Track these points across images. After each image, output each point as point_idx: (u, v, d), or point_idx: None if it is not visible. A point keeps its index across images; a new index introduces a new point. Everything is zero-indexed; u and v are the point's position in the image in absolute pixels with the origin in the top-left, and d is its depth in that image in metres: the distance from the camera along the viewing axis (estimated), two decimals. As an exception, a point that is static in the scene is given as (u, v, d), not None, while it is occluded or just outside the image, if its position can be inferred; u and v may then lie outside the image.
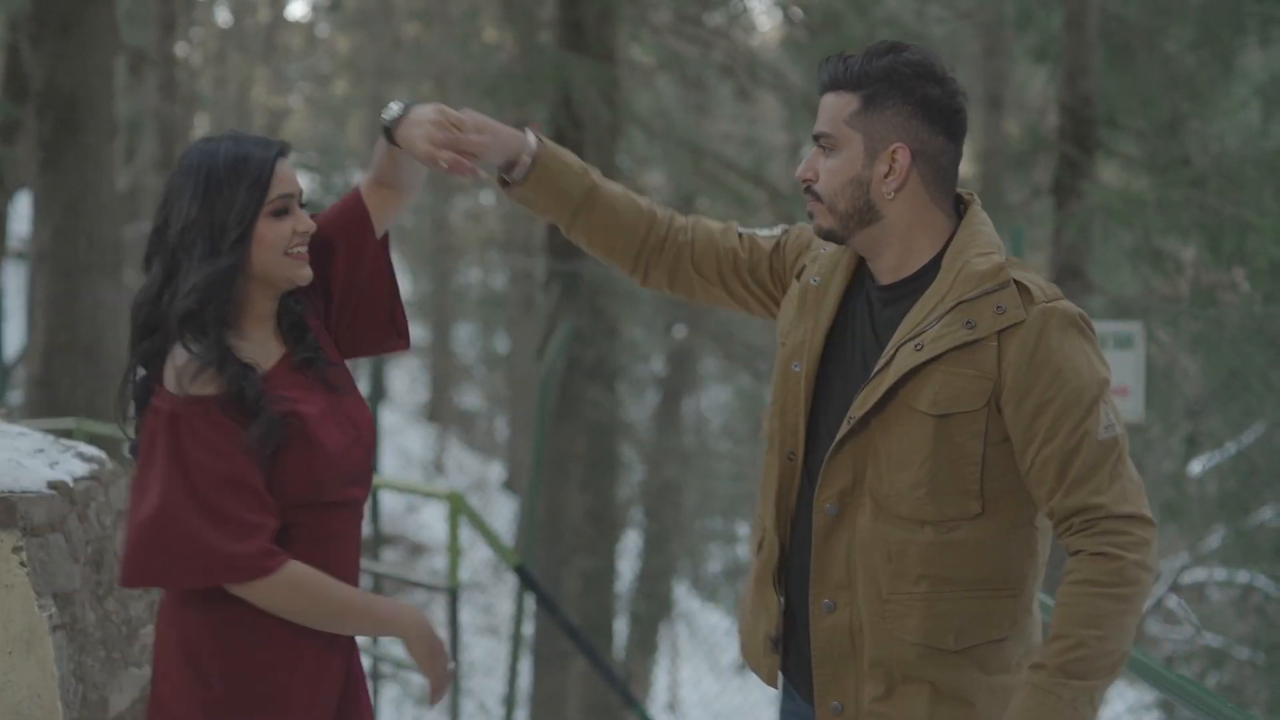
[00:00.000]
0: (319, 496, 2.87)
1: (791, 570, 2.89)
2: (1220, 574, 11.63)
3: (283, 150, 2.92)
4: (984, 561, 2.72)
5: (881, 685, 2.76)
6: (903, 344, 2.73)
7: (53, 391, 9.20)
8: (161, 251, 2.88)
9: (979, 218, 2.82)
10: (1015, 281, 2.70)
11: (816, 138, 2.82)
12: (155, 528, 2.75)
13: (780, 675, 2.96)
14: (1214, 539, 11.22)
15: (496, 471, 23.81)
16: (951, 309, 2.71)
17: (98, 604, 3.63)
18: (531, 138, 3.04)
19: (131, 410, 2.91)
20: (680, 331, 17.82)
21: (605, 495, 12.18)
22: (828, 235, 2.85)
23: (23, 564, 3.25)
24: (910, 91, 2.76)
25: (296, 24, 32.19)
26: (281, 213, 2.89)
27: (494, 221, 27.11)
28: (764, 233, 3.10)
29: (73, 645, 3.43)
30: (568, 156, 3.07)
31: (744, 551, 22.38)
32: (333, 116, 31.95)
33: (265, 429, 2.80)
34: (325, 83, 32.08)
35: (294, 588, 2.81)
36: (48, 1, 9.30)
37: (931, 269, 2.79)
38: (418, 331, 29.15)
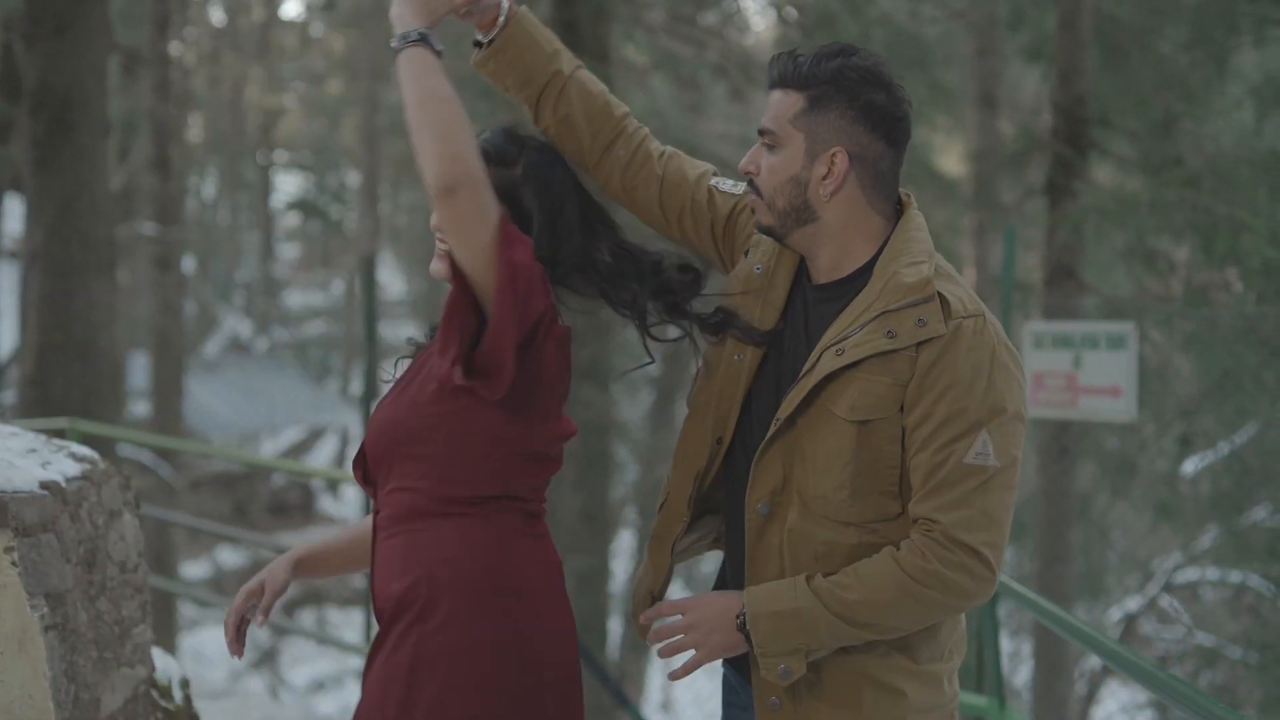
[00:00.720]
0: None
1: (728, 561, 2.96)
2: (1213, 574, 11.65)
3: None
4: None
5: (815, 677, 2.80)
6: (827, 348, 2.76)
7: (46, 391, 9.19)
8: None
9: (913, 223, 2.84)
10: (940, 295, 2.72)
11: (761, 132, 2.84)
12: None
13: (724, 668, 3.01)
14: (1207, 539, 11.24)
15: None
16: (876, 317, 2.73)
17: (90, 604, 3.63)
18: (507, 2, 3.03)
19: None
20: (674, 331, 17.79)
21: (599, 495, 12.19)
22: (766, 231, 2.88)
23: (14, 564, 3.24)
24: (855, 96, 2.77)
25: (290, 23, 32.18)
26: None
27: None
28: (726, 186, 3.08)
29: (65, 645, 3.43)
30: (541, 33, 3.05)
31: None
32: (327, 116, 31.97)
33: None
34: (319, 82, 32.07)
35: None
36: (41, 1, 9.29)
37: (864, 273, 2.82)
38: (414, 330, 29.02)
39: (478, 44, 3.09)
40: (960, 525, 2.65)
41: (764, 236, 2.98)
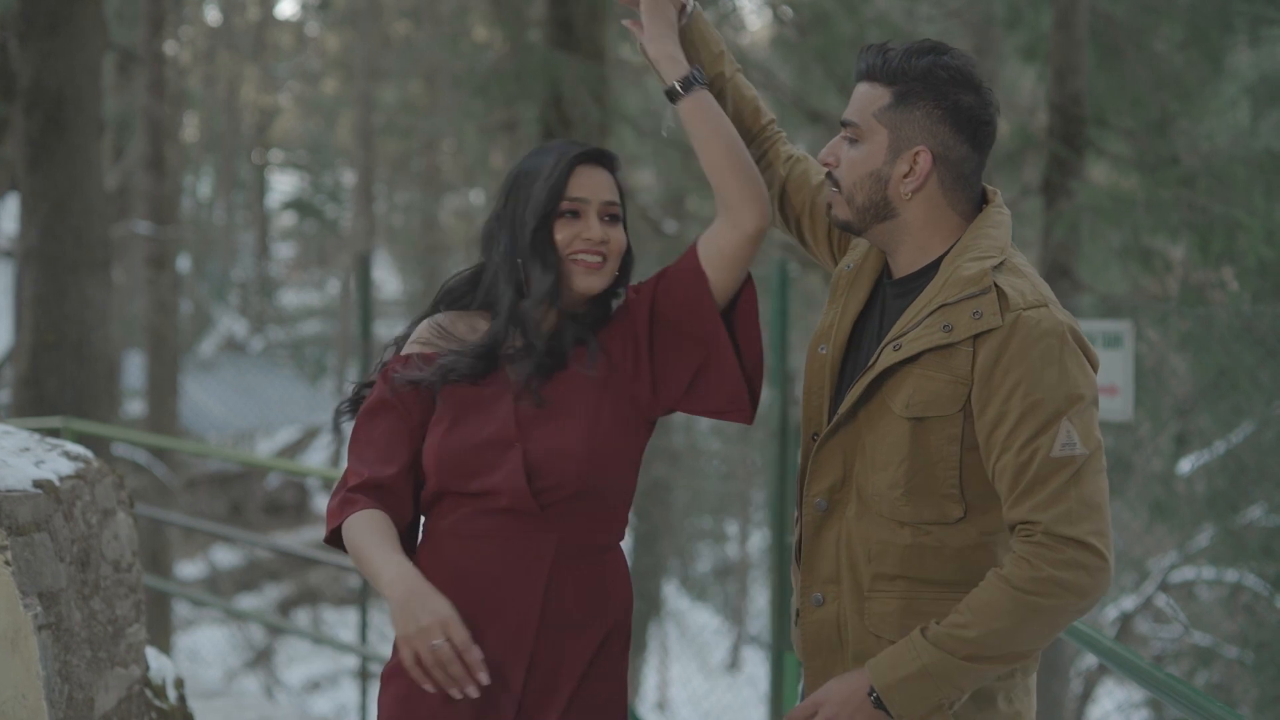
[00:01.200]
0: None
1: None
2: (1209, 573, 11.65)
3: (592, 156, 2.93)
4: (966, 565, 2.71)
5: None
6: (887, 343, 2.73)
7: (40, 390, 9.17)
8: (483, 243, 2.99)
9: (990, 220, 2.79)
10: (996, 286, 2.66)
11: (844, 124, 2.81)
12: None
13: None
14: (1203, 538, 11.24)
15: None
16: (934, 311, 2.69)
17: (83, 603, 3.62)
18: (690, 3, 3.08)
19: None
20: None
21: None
22: (844, 226, 2.85)
23: (7, 563, 3.23)
24: (944, 95, 2.74)
25: (286, 22, 32.17)
26: (573, 215, 2.89)
27: (483, 220, 27.05)
28: None
29: (58, 645, 3.42)
30: (711, 34, 3.11)
31: (733, 550, 22.40)
32: (322, 115, 31.95)
33: None
34: (315, 81, 32.05)
35: (355, 532, 2.83)
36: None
37: (934, 269, 2.78)
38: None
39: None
40: (1062, 520, 2.57)
41: (859, 241, 2.97)
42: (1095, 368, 2.72)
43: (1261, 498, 10.75)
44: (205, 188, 34.09)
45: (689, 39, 3.07)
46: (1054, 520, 2.57)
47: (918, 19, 14.12)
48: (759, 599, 21.40)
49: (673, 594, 18.92)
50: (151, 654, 4.17)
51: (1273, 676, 9.92)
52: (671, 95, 2.94)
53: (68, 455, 3.80)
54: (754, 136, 3.13)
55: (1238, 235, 7.85)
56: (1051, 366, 2.61)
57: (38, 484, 3.47)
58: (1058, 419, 2.59)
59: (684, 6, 3.06)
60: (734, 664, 19.36)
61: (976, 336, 2.65)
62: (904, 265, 2.83)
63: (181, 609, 18.47)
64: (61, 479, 3.61)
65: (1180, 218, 8.15)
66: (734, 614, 19.97)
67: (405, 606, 2.64)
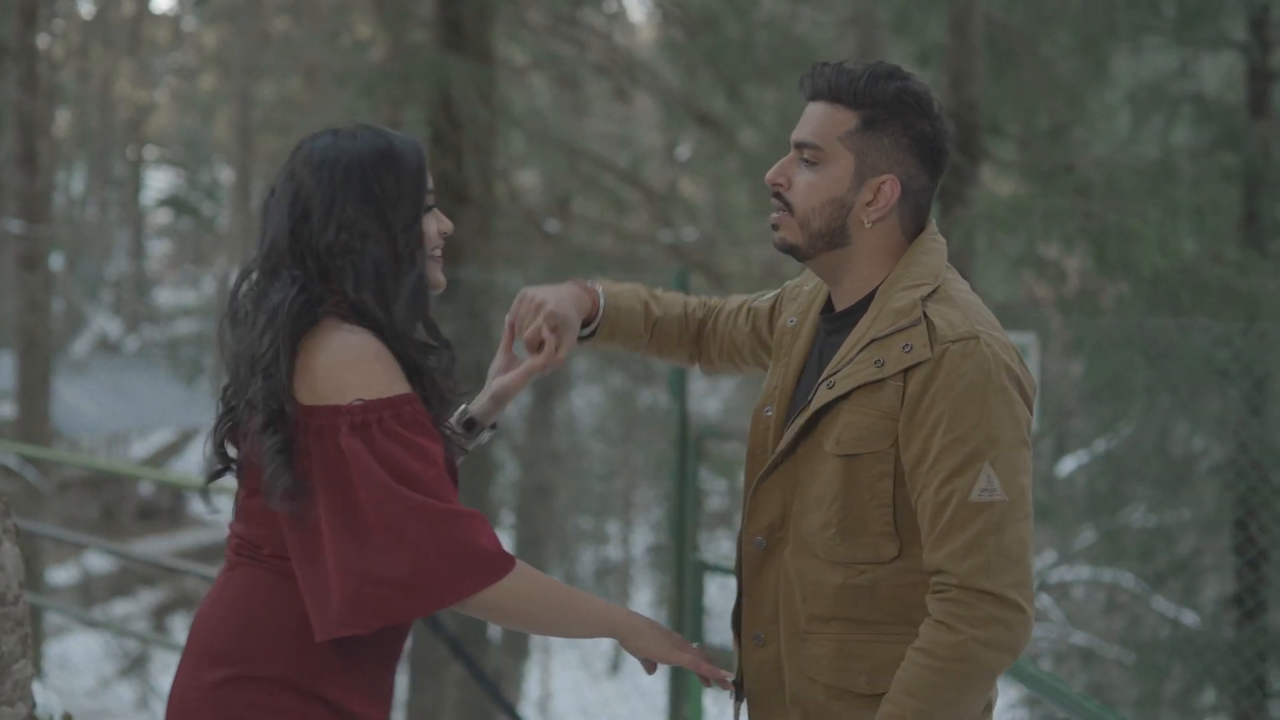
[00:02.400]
0: None
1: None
2: (1087, 573, 11.79)
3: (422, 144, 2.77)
4: (902, 604, 2.61)
5: None
6: (823, 381, 2.65)
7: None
8: (301, 258, 2.64)
9: (923, 247, 2.69)
10: (926, 317, 2.57)
11: (800, 146, 2.68)
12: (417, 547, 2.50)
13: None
14: (1083, 538, 11.38)
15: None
16: (865, 346, 2.61)
17: (-32, 635, 3.45)
18: (587, 298, 3.00)
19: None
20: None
21: (479, 498, 12.05)
22: (789, 250, 2.72)
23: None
24: (910, 124, 2.63)
25: (162, 17, 31.62)
26: (428, 211, 2.72)
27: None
28: (765, 298, 3.03)
29: (-58, 680, 3.25)
30: (626, 299, 3.05)
31: (615, 551, 22.41)
32: (199, 111, 31.47)
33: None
34: (191, 77, 31.58)
35: (532, 580, 2.60)
36: (-96, -8, 8.98)
37: (869, 300, 2.69)
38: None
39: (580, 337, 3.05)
40: (979, 573, 2.47)
41: (799, 293, 2.89)
42: (1030, 399, 2.61)
43: (1140, 499, 10.90)
44: (78, 185, 33.47)
45: (615, 323, 3.03)
46: (970, 573, 2.48)
47: (804, 21, 14.17)
48: (640, 599, 21.41)
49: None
50: (37, 689, 3.99)
51: (1151, 676, 10.05)
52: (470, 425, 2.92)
53: (-50, 478, 3.62)
54: (692, 333, 3.13)
55: (1132, 244, 7.92)
56: (974, 405, 2.51)
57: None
58: (978, 460, 2.49)
59: (593, 316, 3.02)
60: (615, 667, 19.35)
61: (906, 370, 2.56)
62: (845, 296, 2.73)
63: (53, 616, 18.07)
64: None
65: (1076, 226, 8.21)
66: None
67: (654, 631, 2.70)
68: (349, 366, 2.55)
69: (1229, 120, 10.66)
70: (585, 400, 21.67)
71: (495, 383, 2.95)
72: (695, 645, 2.74)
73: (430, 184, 2.72)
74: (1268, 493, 8.27)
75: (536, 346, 2.91)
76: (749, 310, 3.06)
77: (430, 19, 12.23)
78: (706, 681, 2.74)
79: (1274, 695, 9.18)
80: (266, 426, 2.56)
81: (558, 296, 2.92)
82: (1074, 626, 12.13)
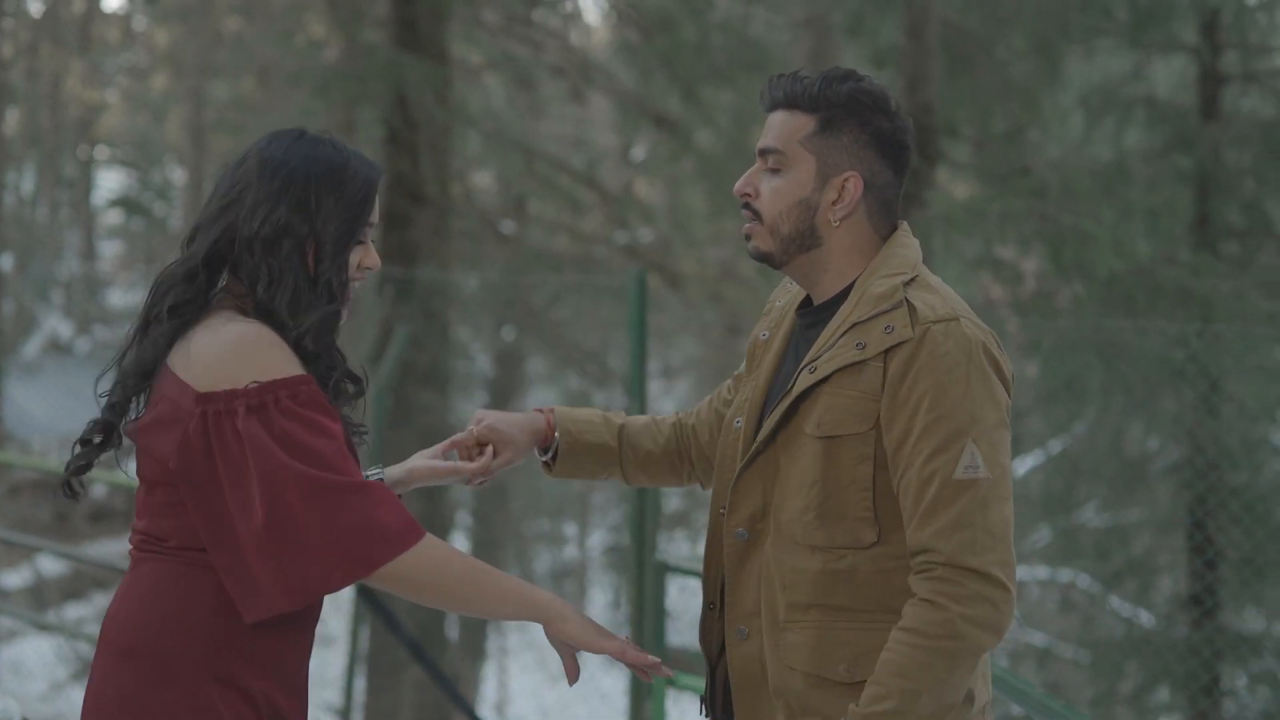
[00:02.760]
0: None
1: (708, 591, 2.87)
2: (1043, 573, 11.85)
3: (381, 174, 2.75)
4: (881, 591, 2.63)
5: (782, 716, 2.69)
6: (803, 367, 2.68)
7: None
8: (220, 236, 2.66)
9: (899, 241, 2.76)
10: (907, 301, 2.62)
11: (763, 153, 2.75)
12: (309, 525, 2.50)
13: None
14: (1038, 538, 11.44)
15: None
16: (847, 331, 2.65)
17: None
18: (540, 417, 3.05)
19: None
20: (509, 333, 17.72)
21: (435, 500, 12.02)
22: (763, 258, 2.78)
23: None
24: (867, 121, 2.71)
25: (113, 16, 31.37)
26: (360, 243, 2.72)
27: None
28: (727, 382, 3.07)
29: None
30: (587, 425, 3.08)
31: (571, 552, 22.39)
32: (151, 111, 31.22)
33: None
34: (143, 77, 31.34)
35: (444, 551, 2.60)
36: None
37: (846, 294, 2.74)
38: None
39: (545, 465, 3.10)
40: (965, 549, 2.50)
41: (771, 308, 2.93)
42: (1008, 384, 2.66)
43: (1094, 498, 10.97)
44: (28, 184, 33.17)
45: (575, 449, 3.07)
46: (956, 550, 2.51)
47: (759, 23, 14.19)
48: (598, 601, 21.40)
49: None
50: (6, 690, 3.96)
51: (1107, 675, 10.12)
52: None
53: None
54: (678, 452, 3.13)
55: (1088, 247, 7.97)
56: (957, 384, 2.56)
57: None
58: (960, 438, 2.54)
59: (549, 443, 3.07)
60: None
61: (887, 351, 2.60)
62: (823, 294, 2.78)
63: (4, 620, 17.92)
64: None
65: (1032, 229, 8.25)
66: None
67: (579, 617, 2.67)
68: (243, 353, 2.56)
69: (1181, 123, 10.75)
70: (541, 401, 21.65)
71: (420, 461, 3.01)
72: (623, 636, 2.70)
73: (374, 217, 2.72)
74: (1225, 494, 8.33)
75: (468, 456, 3.01)
76: (733, 388, 3.07)
77: (385, 19, 12.18)
78: (644, 674, 2.70)
79: (1228, 693, 9.26)
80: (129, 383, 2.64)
81: (505, 418, 3.02)
82: (1030, 626, 12.19)
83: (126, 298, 33.04)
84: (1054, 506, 10.78)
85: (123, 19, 31.30)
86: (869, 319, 2.63)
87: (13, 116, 27.69)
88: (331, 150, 2.70)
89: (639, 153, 18.83)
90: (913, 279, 2.68)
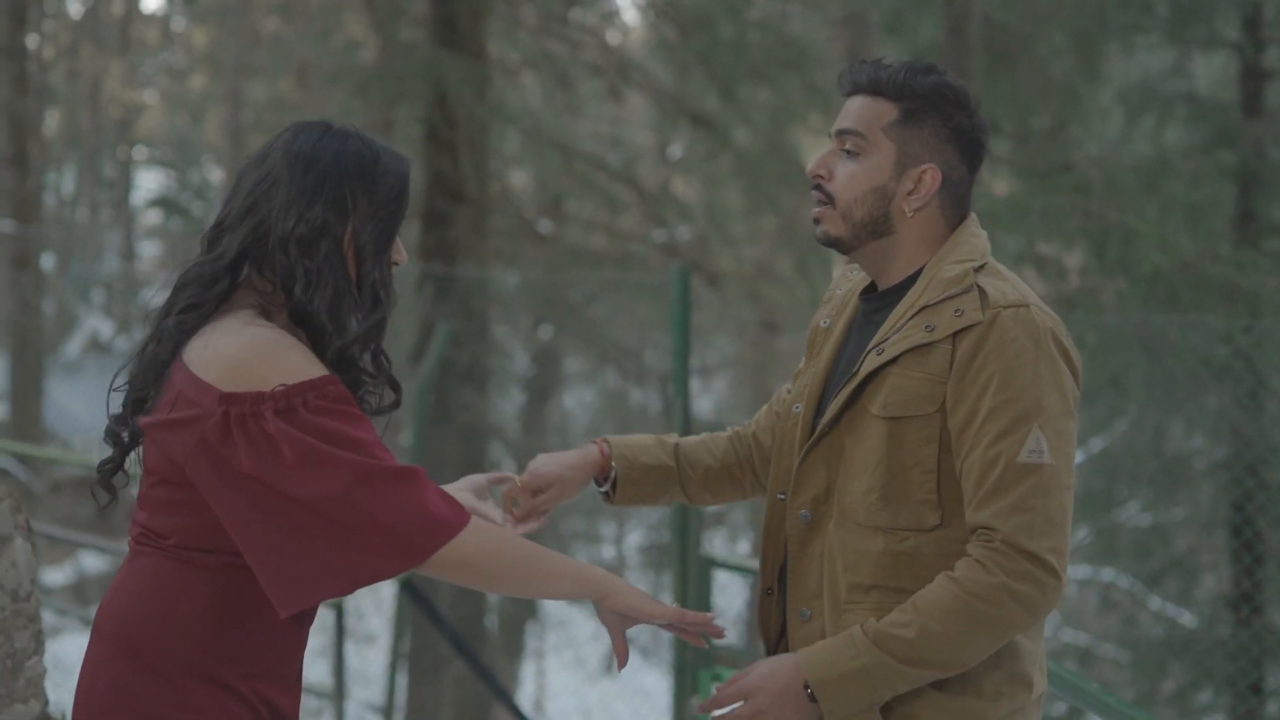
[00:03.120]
0: None
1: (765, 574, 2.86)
2: (1083, 572, 11.79)
3: (410, 166, 2.68)
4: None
5: None
6: (871, 349, 2.68)
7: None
8: (249, 235, 2.57)
9: (969, 230, 2.75)
10: (978, 286, 2.61)
11: (842, 134, 2.73)
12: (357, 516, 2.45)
13: None
14: (1079, 537, 11.38)
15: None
16: (916, 314, 2.64)
17: (-20, 635, 3.44)
18: (594, 449, 3.06)
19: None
20: (547, 331, 17.74)
21: (476, 498, 12.04)
22: (832, 243, 2.77)
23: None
24: (949, 116, 2.70)
25: (152, 17, 31.55)
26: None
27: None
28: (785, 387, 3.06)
29: (-44, 681, 3.24)
30: (635, 439, 3.09)
31: (608, 552, 22.38)
32: (189, 112, 31.37)
33: None
34: (181, 77, 31.50)
35: (495, 533, 2.56)
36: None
37: (915, 279, 2.73)
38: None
39: (605, 496, 3.11)
40: (1022, 531, 2.49)
41: (832, 296, 2.92)
42: (1077, 373, 2.65)
43: (1135, 497, 10.91)
44: (69, 185, 33.40)
45: (633, 476, 3.07)
46: (1014, 530, 2.50)
47: (794, 20, 14.17)
48: (635, 600, 21.37)
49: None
50: (49, 686, 3.98)
51: (1149, 674, 10.06)
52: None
53: (-39, 478, 3.60)
54: (736, 469, 3.12)
55: (1132, 243, 7.93)
56: (1025, 369, 2.55)
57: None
58: (1027, 422, 2.53)
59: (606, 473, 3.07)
60: (610, 668, 19.35)
61: (956, 333, 2.59)
62: (888, 282, 2.78)
63: (47, 616, 18.04)
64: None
65: (1075, 225, 8.21)
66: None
67: (631, 589, 2.63)
68: (264, 356, 2.48)
69: (1222, 119, 10.68)
70: (578, 400, 21.67)
71: (465, 496, 2.95)
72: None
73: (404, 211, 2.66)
74: (1270, 492, 8.27)
75: (510, 505, 3.03)
76: (781, 394, 3.07)
77: (423, 17, 12.22)
78: (697, 640, 2.69)
79: (1273, 695, 9.19)
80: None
81: (553, 459, 3.04)
82: (1070, 625, 12.14)
83: (165, 297, 33.22)
84: (1095, 505, 10.72)
85: (161, 20, 31.47)
86: (938, 302, 2.62)
87: (53, 117, 27.89)
88: (361, 145, 2.61)
89: (676, 151, 18.83)
90: (983, 265, 2.67)
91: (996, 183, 12.01)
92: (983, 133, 2.74)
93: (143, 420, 2.57)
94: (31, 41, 19.48)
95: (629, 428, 19.80)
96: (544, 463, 3.02)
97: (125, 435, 2.67)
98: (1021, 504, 2.51)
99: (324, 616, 15.79)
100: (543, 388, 19.04)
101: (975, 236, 2.74)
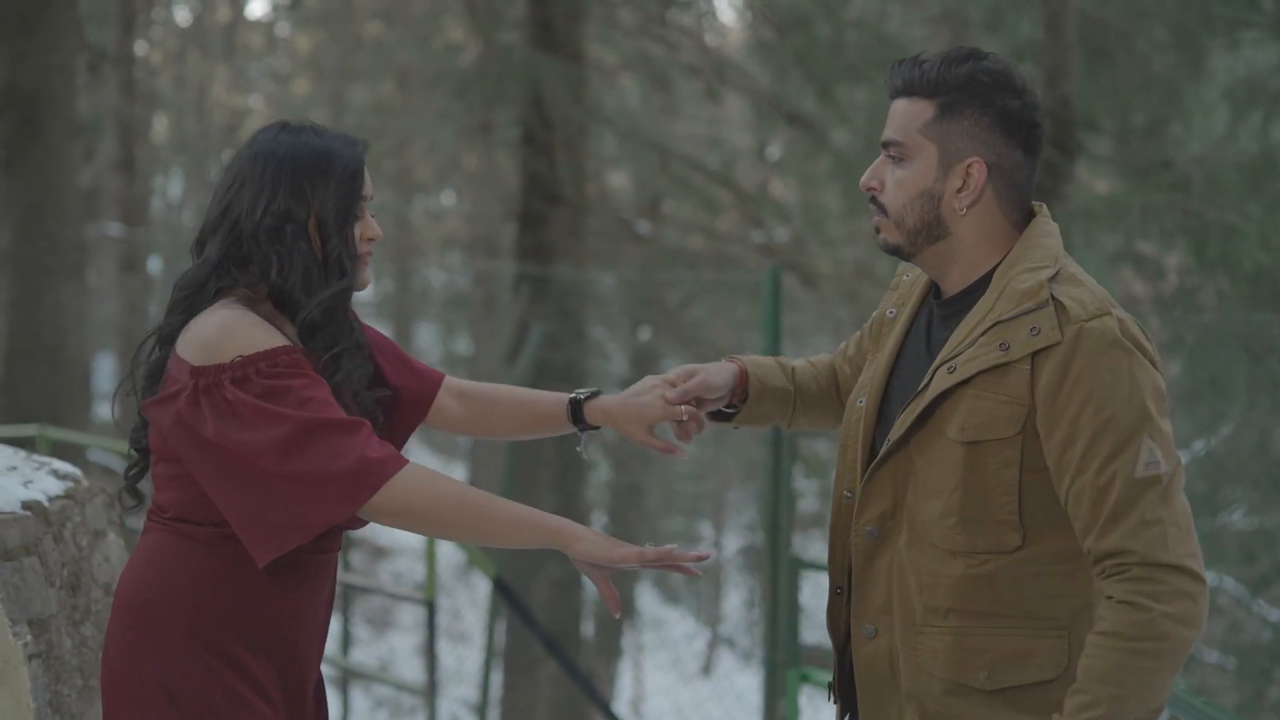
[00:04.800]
0: None
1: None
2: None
3: (366, 148, 2.91)
4: (1024, 596, 2.56)
5: (916, 718, 2.64)
6: (940, 365, 2.61)
7: (13, 397, 9.03)
8: (226, 236, 2.82)
9: (1040, 229, 2.65)
10: (1054, 299, 2.52)
11: (885, 145, 2.67)
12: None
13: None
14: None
15: (457, 474, 23.68)
16: (989, 329, 2.56)
17: (74, 630, 3.50)
18: (733, 366, 3.06)
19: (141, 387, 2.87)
20: (645, 332, 17.76)
21: (574, 498, 12.09)
22: (893, 251, 2.71)
23: (-3, 589, 3.12)
24: (990, 102, 2.61)
25: (257, 23, 31.95)
26: (359, 216, 2.88)
27: (455, 221, 26.95)
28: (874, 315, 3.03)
29: (49, 674, 3.30)
30: (764, 361, 3.10)
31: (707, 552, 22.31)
32: (293, 116, 31.78)
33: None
34: (285, 82, 31.86)
35: (437, 477, 2.74)
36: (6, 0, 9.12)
37: (984, 284, 2.65)
38: (382, 331, 28.94)
39: (724, 414, 3.11)
40: (1158, 546, 2.42)
41: (900, 282, 2.88)
42: (1159, 369, 2.57)
43: (1240, 501, 10.73)
44: (175, 189, 33.89)
45: (763, 401, 3.08)
46: (1149, 547, 2.42)
47: (893, 19, 14.07)
48: (733, 600, 21.36)
49: (647, 597, 18.87)
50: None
51: (1254, 680, 9.90)
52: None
53: (56, 474, 3.68)
54: (834, 398, 3.13)
55: (1233, 241, 7.80)
56: (1121, 380, 2.47)
57: (26, 505, 3.35)
58: (1136, 436, 2.45)
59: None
60: (707, 668, 19.32)
61: (1035, 354, 2.51)
62: (954, 285, 2.71)
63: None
64: (50, 499, 3.49)
65: (1175, 223, 8.10)
66: (708, 617, 19.94)
67: (594, 534, 2.74)
68: (226, 332, 2.72)
69: (1331, 115, 10.48)
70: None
71: (634, 399, 3.07)
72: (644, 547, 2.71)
73: (367, 190, 2.87)
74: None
75: (677, 415, 3.01)
76: (846, 349, 3.10)
77: (522, 20, 12.28)
78: (680, 569, 2.71)
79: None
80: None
81: (710, 369, 3.02)
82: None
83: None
84: (1198, 509, 10.51)
85: (266, 26, 31.86)
86: (1012, 318, 2.54)
87: (161, 123, 28.33)
88: (314, 136, 2.84)
89: (774, 151, 18.77)
90: (1057, 273, 2.57)
91: (1096, 181, 11.87)
92: (1033, 112, 2.64)
93: (144, 405, 2.83)
94: (139, 48, 19.80)
95: (726, 430, 19.75)
96: (705, 374, 3.01)
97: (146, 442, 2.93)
98: (1147, 518, 2.44)
99: (417, 614, 16.01)
100: (641, 390, 19.03)
101: (1046, 236, 2.65)
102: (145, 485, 2.95)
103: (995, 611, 2.57)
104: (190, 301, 2.81)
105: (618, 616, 2.92)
